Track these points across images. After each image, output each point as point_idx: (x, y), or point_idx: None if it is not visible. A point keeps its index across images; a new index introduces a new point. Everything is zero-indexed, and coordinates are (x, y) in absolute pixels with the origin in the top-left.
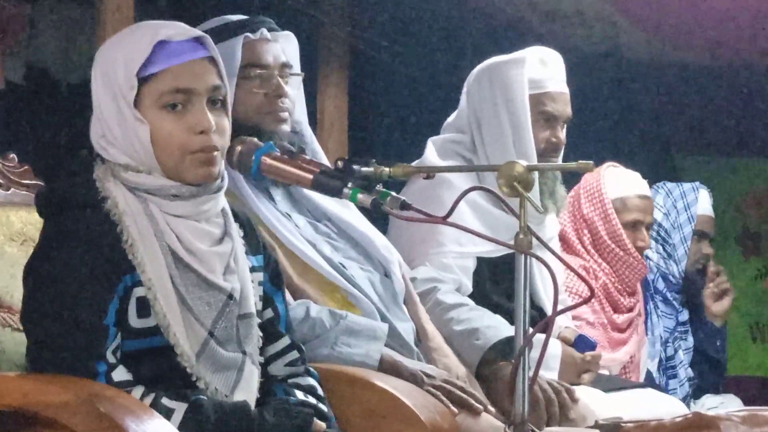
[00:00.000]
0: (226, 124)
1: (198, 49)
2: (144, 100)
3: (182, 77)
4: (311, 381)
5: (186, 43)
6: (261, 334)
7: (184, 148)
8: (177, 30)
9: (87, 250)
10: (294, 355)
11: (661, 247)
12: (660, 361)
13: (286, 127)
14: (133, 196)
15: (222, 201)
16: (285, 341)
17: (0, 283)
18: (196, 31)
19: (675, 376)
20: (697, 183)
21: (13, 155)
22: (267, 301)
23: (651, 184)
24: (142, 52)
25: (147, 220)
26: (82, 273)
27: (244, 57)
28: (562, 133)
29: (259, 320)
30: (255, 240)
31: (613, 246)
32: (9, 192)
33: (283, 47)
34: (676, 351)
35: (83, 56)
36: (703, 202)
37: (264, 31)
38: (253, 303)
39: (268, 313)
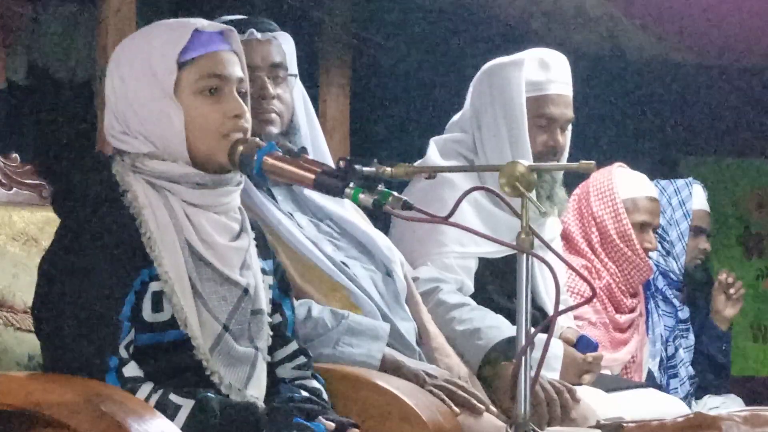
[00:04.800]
0: (249, 114)
1: (225, 42)
2: (180, 86)
3: (217, 64)
4: (317, 384)
5: (216, 34)
6: (271, 332)
7: (219, 131)
8: (208, 22)
9: (105, 243)
10: (302, 359)
11: (659, 245)
12: (661, 360)
13: (273, 129)
14: (153, 190)
15: (239, 197)
16: (293, 346)
17: (2, 283)
18: (222, 25)
19: (676, 375)
20: (691, 179)
21: (15, 155)
22: (275, 306)
23: None
24: (181, 38)
25: (166, 213)
26: (100, 267)
27: None
28: (563, 137)
29: (269, 320)
30: (264, 244)
31: (621, 246)
32: (11, 191)
33: (278, 47)
34: (676, 349)
35: (85, 56)
36: (697, 198)
37: (253, 31)
38: (264, 300)
39: (276, 318)
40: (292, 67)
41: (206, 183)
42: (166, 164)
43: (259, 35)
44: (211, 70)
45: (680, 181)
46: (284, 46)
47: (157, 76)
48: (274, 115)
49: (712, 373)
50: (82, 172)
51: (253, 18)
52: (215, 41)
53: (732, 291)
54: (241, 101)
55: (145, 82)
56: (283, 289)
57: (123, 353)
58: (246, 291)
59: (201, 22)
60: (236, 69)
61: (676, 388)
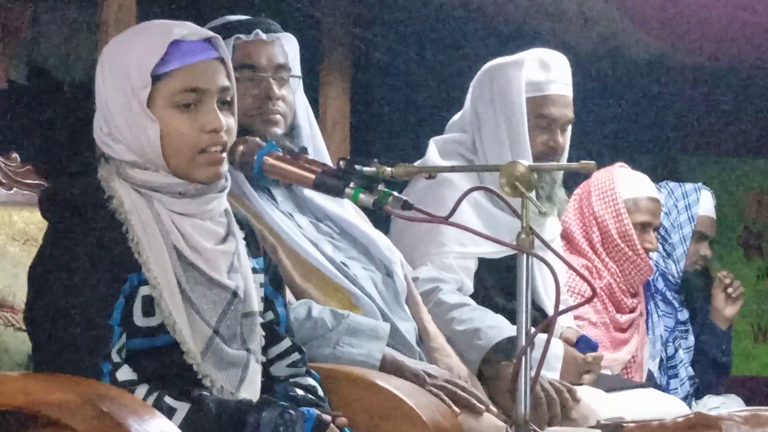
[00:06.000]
0: (233, 124)
1: (209, 50)
2: (156, 99)
3: (195, 77)
4: (312, 381)
5: (198, 43)
6: (263, 333)
7: (195, 146)
8: (190, 30)
9: (92, 249)
10: (296, 356)
11: (660, 246)
12: (660, 360)
13: (277, 130)
14: (139, 195)
15: (225, 201)
16: (286, 343)
17: (2, 283)
18: (208, 32)
19: (676, 376)
20: (700, 184)
21: (15, 155)
22: (267, 303)
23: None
24: (156, 50)
25: (152, 218)
26: (88, 272)
27: (236, 58)
28: (563, 137)
29: (261, 320)
30: (255, 242)
31: (622, 245)
32: (11, 191)
33: (282, 49)
34: (676, 350)
35: (85, 56)
36: (704, 203)
37: (258, 32)
38: (255, 302)
39: (269, 316)
40: (296, 68)
41: (188, 192)
42: (149, 174)
43: (264, 36)
44: (188, 84)
45: (689, 185)
46: (288, 48)
47: (132, 89)
48: (278, 117)
49: (712, 372)
50: (69, 175)
51: (259, 18)
52: (197, 51)
53: (731, 290)
54: (219, 115)
55: (122, 91)
56: (276, 285)
57: (115, 357)
58: (235, 294)
59: (182, 31)
60: (219, 78)
61: (676, 388)
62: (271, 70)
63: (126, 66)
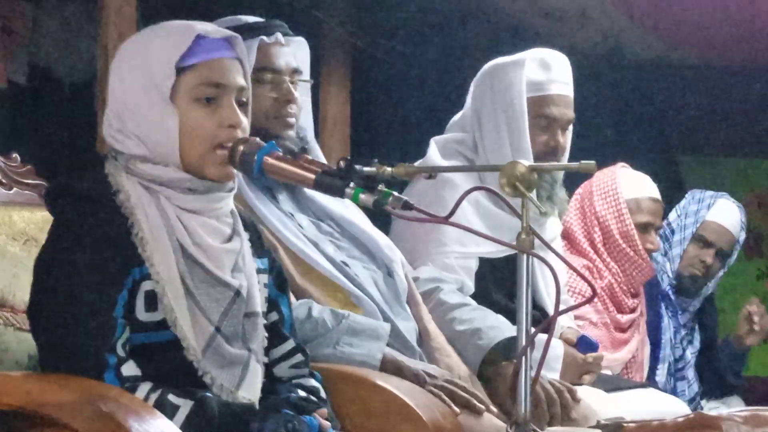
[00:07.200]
0: (247, 125)
1: (229, 49)
2: (177, 92)
3: (217, 72)
4: (314, 383)
5: (219, 41)
6: (266, 334)
7: (212, 141)
8: (212, 27)
9: (97, 242)
10: (299, 358)
11: (661, 244)
12: (668, 364)
13: (292, 133)
14: (145, 191)
15: (231, 202)
16: (290, 344)
17: (2, 283)
18: (228, 32)
19: (683, 378)
20: (723, 193)
21: (15, 155)
22: (272, 304)
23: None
24: (182, 43)
25: (158, 214)
26: (92, 265)
27: (258, 60)
28: (563, 137)
29: (264, 321)
30: (260, 243)
31: (624, 246)
32: (12, 192)
33: (295, 53)
34: (684, 351)
35: (86, 56)
36: (718, 211)
37: (279, 35)
38: (259, 302)
39: (273, 316)
40: (307, 72)
41: (197, 188)
42: (158, 168)
43: (283, 39)
44: (210, 78)
45: (710, 192)
46: (301, 52)
47: (154, 80)
48: (294, 120)
49: (719, 390)
50: (75, 170)
51: (277, 21)
52: (218, 48)
53: (757, 327)
54: (238, 111)
55: (143, 84)
56: (280, 286)
57: (120, 351)
58: (238, 293)
59: (205, 27)
60: (237, 77)
61: (684, 390)
62: (289, 74)
63: (147, 60)
